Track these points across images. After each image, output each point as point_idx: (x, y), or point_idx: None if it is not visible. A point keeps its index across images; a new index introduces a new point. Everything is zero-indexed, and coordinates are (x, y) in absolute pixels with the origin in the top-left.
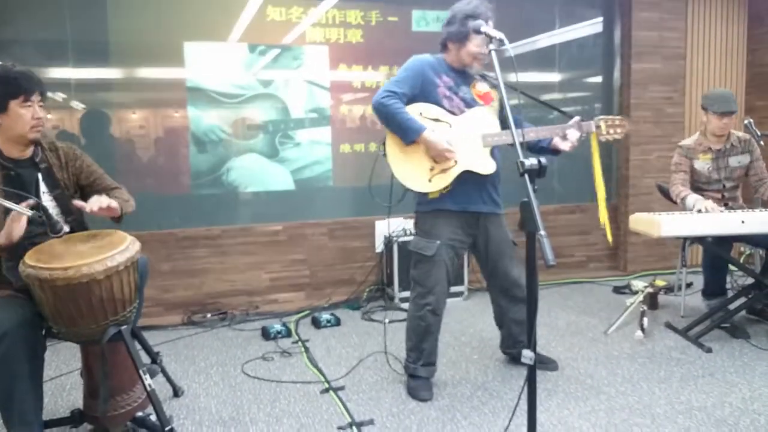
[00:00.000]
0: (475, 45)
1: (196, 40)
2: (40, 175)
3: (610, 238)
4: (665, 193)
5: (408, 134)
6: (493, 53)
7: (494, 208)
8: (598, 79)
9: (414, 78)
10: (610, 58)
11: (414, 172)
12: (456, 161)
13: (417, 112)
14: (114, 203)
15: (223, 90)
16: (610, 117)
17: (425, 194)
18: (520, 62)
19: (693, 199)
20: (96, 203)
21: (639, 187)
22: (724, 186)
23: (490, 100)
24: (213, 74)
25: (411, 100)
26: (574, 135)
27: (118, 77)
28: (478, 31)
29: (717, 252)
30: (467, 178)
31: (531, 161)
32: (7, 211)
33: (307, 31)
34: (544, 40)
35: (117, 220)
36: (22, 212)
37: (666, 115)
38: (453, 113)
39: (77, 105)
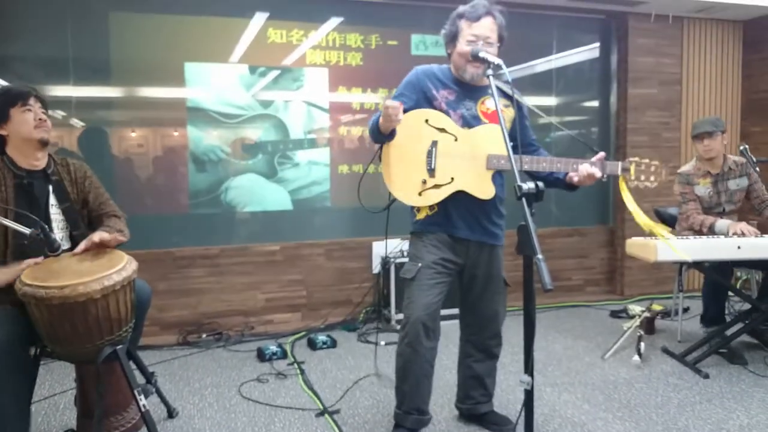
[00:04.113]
0: (465, 42)
1: (197, 60)
2: (50, 187)
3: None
4: (662, 217)
5: (375, 120)
6: (491, 78)
7: (486, 238)
8: (595, 103)
9: (410, 90)
10: (607, 83)
11: (405, 182)
12: (453, 179)
13: (423, 119)
14: (107, 237)
15: (223, 110)
16: (645, 161)
17: (415, 214)
18: (518, 86)
19: (724, 223)
20: (96, 237)
21: None
22: (724, 210)
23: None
24: (213, 94)
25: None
26: (587, 169)
27: (118, 96)
28: (476, 57)
29: (716, 278)
30: (459, 202)
31: (528, 185)
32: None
33: (307, 53)
34: (542, 64)
35: None
36: (20, 230)
37: (663, 139)
38: (464, 126)
39: (77, 123)
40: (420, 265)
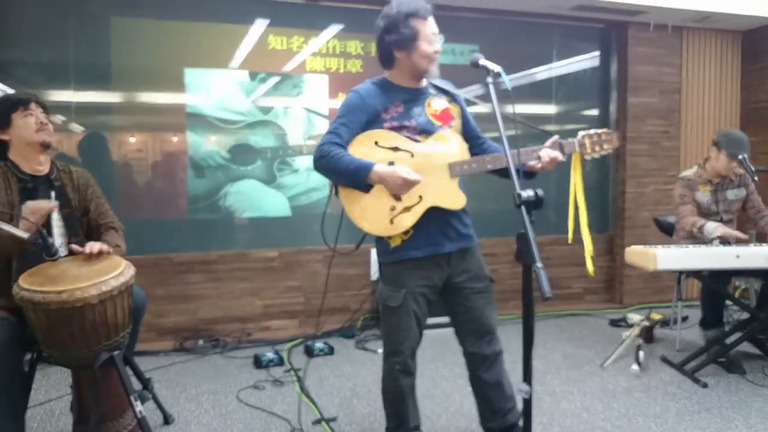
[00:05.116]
0: (426, 43)
1: (197, 66)
2: (53, 193)
3: (591, 269)
4: (662, 225)
5: (358, 176)
6: (491, 86)
7: (463, 243)
8: (595, 112)
9: (356, 113)
10: (607, 91)
11: (372, 213)
12: (421, 197)
13: (372, 141)
14: (107, 248)
15: (223, 116)
16: (594, 131)
17: (386, 243)
18: (518, 94)
19: (712, 226)
20: (96, 247)
21: (635, 219)
22: (721, 219)
23: (450, 118)
24: (213, 100)
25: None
26: (550, 153)
27: (118, 101)
28: (476, 65)
29: (714, 287)
30: (433, 217)
31: (527, 192)
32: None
33: (307, 60)
34: (542, 73)
35: None
36: (19, 235)
37: (662, 148)
38: (415, 140)
39: (77, 128)
40: (404, 291)
